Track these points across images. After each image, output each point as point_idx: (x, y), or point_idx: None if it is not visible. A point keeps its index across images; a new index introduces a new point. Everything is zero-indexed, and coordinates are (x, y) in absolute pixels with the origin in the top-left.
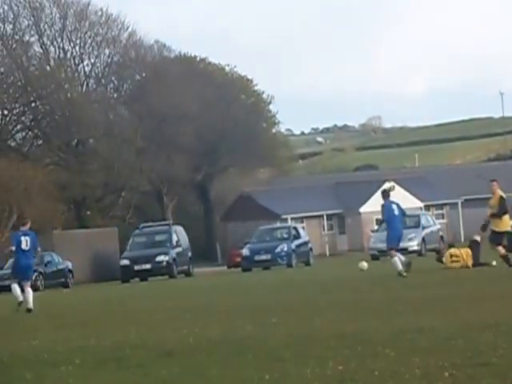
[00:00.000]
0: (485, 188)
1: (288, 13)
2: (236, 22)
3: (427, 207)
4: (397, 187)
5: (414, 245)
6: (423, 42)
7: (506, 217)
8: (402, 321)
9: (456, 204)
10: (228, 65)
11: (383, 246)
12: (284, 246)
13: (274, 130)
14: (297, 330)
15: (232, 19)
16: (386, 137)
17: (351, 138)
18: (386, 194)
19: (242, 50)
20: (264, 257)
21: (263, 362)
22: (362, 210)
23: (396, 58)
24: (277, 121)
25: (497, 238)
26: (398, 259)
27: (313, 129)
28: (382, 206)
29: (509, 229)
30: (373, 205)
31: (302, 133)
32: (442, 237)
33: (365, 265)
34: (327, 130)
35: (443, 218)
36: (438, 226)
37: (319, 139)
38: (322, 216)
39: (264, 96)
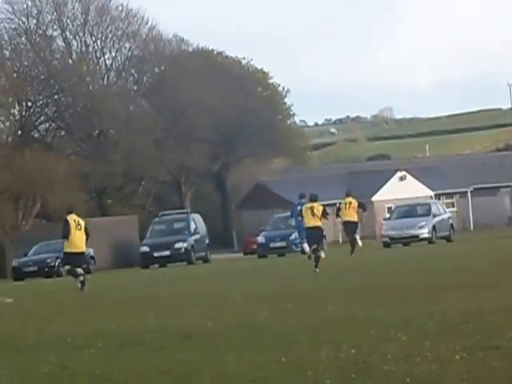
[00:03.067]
0: (493, 177)
1: (302, 5)
2: (251, 15)
3: (438, 196)
4: (408, 176)
5: (424, 232)
6: (434, 33)
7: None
8: (414, 306)
9: (465, 193)
10: (244, 58)
11: (395, 233)
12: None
13: (288, 122)
14: (311, 314)
15: (247, 13)
16: (398, 128)
17: (363, 129)
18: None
19: (257, 43)
20: (279, 244)
21: (279, 345)
22: (374, 198)
23: (407, 50)
24: (292, 113)
25: None
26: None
27: (326, 120)
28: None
29: None
30: (385, 193)
31: (316, 124)
32: (452, 225)
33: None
34: (340, 121)
35: (453, 206)
36: (449, 214)
37: (332, 130)
38: (336, 204)
39: (279, 89)
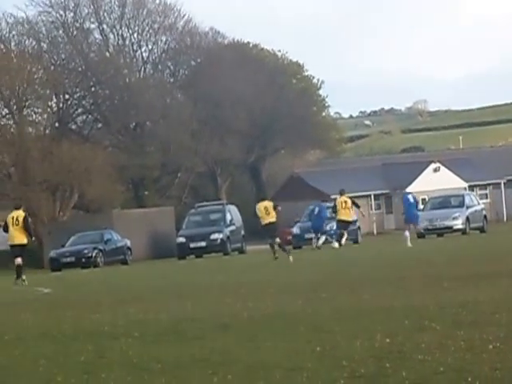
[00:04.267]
0: None
1: None
2: (287, 8)
3: (471, 187)
4: (442, 168)
5: (458, 223)
6: (468, 25)
7: None
8: (448, 296)
9: (499, 184)
10: (280, 50)
11: (429, 224)
12: (333, 225)
13: (323, 114)
14: (346, 304)
15: (283, 5)
16: (432, 120)
17: (398, 121)
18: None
19: (293, 36)
20: (313, 235)
21: (314, 334)
22: (408, 190)
23: (441, 42)
24: (326, 105)
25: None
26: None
27: (361, 112)
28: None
29: None
30: (419, 185)
31: (351, 116)
32: (485, 216)
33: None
34: (374, 113)
35: (487, 197)
36: (482, 206)
37: (367, 122)
38: (370, 196)
39: (314, 81)
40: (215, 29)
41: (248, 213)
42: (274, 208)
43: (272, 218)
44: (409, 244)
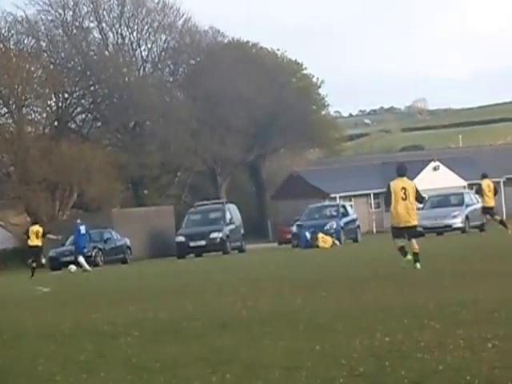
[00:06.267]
0: None
1: None
2: (286, 6)
3: (471, 186)
4: (441, 167)
5: (458, 222)
6: (468, 25)
7: None
8: (447, 295)
9: (498, 183)
10: (279, 49)
11: (428, 223)
12: (333, 224)
13: (323, 112)
14: (345, 303)
15: (282, 4)
16: (431, 118)
17: (397, 120)
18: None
19: (292, 34)
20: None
21: (314, 333)
22: None
23: (441, 42)
24: (326, 103)
25: None
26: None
27: (360, 111)
28: None
29: None
30: (419, 184)
31: (350, 115)
32: None
33: (73, 267)
34: (374, 112)
35: None
36: (482, 204)
37: (366, 121)
38: (370, 194)
39: (314, 80)
40: (215, 28)
41: (248, 212)
42: (44, 235)
43: (39, 241)
44: (87, 268)
